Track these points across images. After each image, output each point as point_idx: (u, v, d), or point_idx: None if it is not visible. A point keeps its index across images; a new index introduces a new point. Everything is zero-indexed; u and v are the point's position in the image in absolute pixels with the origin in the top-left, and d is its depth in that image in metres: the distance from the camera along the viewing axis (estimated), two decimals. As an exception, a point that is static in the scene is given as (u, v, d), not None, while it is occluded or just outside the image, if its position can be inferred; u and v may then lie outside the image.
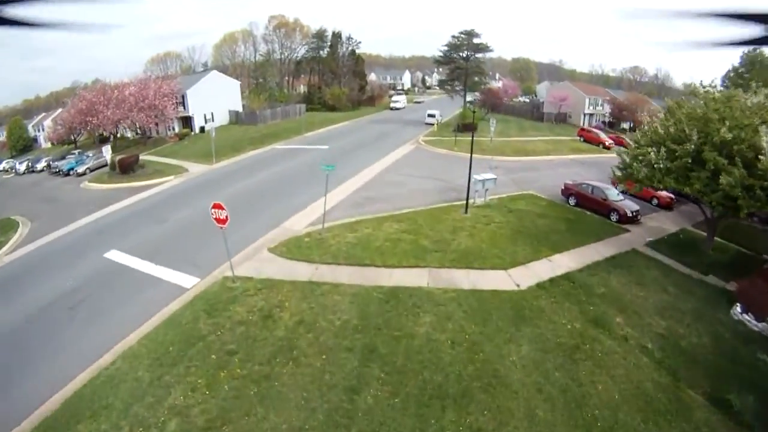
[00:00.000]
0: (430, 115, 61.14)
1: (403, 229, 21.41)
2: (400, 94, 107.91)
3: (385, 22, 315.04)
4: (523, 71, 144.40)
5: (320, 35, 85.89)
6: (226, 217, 16.04)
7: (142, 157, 46.82)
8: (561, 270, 18.17)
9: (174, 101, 52.41)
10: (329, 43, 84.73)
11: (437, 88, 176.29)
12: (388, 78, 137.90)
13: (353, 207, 25.60)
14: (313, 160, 38.93)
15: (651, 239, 22.94)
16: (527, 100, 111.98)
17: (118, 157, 40.49)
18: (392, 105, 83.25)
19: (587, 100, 75.98)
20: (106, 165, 43.45)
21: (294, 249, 19.64)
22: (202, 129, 56.62)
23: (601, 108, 79.58)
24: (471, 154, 24.68)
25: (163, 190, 33.42)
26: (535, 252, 19.58)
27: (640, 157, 21.81)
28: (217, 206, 16.17)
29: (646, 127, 24.07)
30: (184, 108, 55.94)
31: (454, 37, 60.11)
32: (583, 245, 21.05)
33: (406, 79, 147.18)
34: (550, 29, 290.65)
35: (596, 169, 39.03)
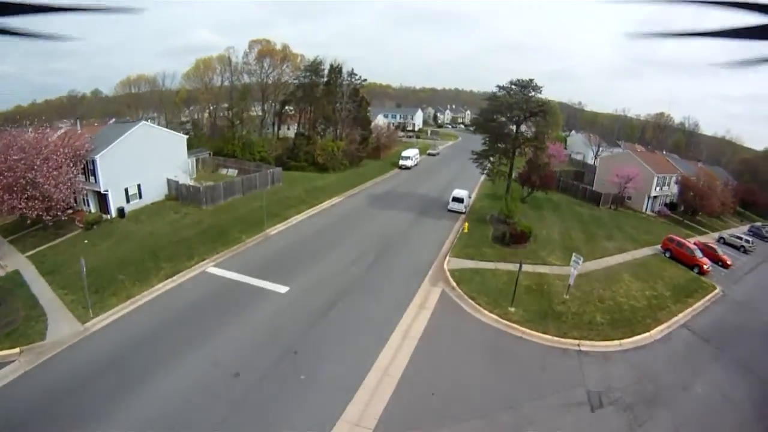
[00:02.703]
0: (455, 199, 43.22)
1: None
2: (411, 138, 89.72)
3: (396, 52, 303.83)
4: (549, 117, 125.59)
5: (315, 68, 67.75)
6: None
7: (22, 258, 30.18)
8: None
9: (71, 173, 34.09)
10: (325, 79, 66.90)
11: (450, 126, 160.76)
12: (398, 117, 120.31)
13: None
14: (247, 349, 20.09)
15: None
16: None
17: None
18: (402, 163, 65.71)
19: (655, 180, 58.03)
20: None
21: None
22: (121, 213, 38.33)
23: (667, 188, 61.91)
24: None
25: None
26: None
27: None
28: None
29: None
30: (95, 180, 37.64)
31: (501, 88, 42.40)
32: None
33: (418, 119, 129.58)
34: (565, 64, 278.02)
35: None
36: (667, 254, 39.15)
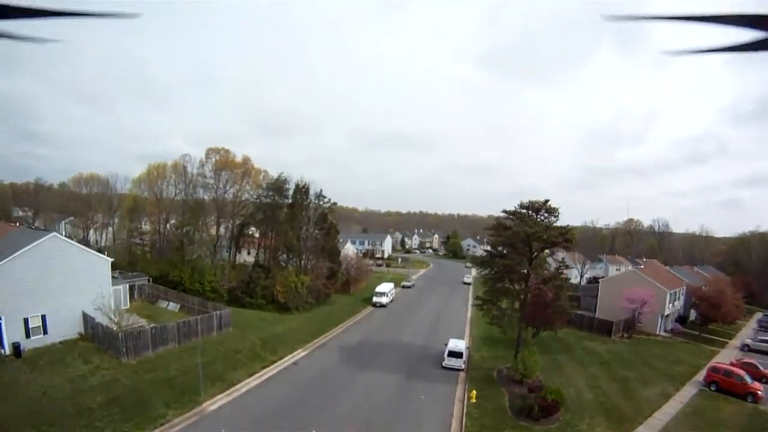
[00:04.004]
0: (452, 354, 34.47)
1: None
2: (381, 267, 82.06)
3: (362, 174, 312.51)
4: (572, 246, 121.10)
5: (278, 187, 60.26)
6: None
7: None
8: None
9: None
10: (290, 200, 59.84)
11: (418, 252, 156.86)
12: (366, 243, 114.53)
13: None
14: None
15: None
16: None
17: None
18: (376, 300, 57.23)
19: (668, 297, 51.99)
20: None
21: None
22: (17, 351, 28.63)
23: (678, 303, 56.34)
24: None
25: None
26: None
27: None
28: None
29: None
30: (-15, 302, 28.36)
31: (510, 214, 35.67)
32: None
33: (387, 245, 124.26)
34: (527, 181, 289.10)
35: None
36: (713, 387, 34.13)
